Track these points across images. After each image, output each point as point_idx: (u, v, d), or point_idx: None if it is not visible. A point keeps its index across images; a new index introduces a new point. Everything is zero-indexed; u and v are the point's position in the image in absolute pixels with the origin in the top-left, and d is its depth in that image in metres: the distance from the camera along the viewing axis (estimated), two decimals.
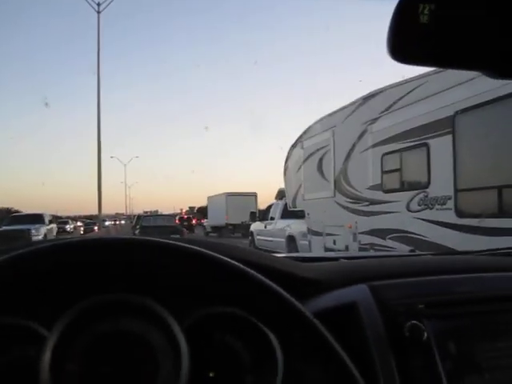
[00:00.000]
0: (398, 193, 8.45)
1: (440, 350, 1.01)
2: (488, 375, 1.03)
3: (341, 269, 1.29)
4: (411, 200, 7.98)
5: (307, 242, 12.63)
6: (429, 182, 7.60)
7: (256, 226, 18.37)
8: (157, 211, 59.04)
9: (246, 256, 1.07)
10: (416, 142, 7.81)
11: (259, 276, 0.82)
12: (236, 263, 0.83)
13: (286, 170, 14.09)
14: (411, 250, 7.54)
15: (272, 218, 16.56)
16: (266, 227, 16.95)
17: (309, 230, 12.35)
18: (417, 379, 0.98)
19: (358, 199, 9.78)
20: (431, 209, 7.51)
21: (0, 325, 0.87)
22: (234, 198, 37.68)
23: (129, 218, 60.23)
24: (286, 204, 15.62)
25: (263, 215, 17.99)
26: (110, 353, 0.88)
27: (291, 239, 14.45)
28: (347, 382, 0.79)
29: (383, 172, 8.89)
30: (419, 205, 7.80)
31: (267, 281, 0.82)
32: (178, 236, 24.19)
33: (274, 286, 0.82)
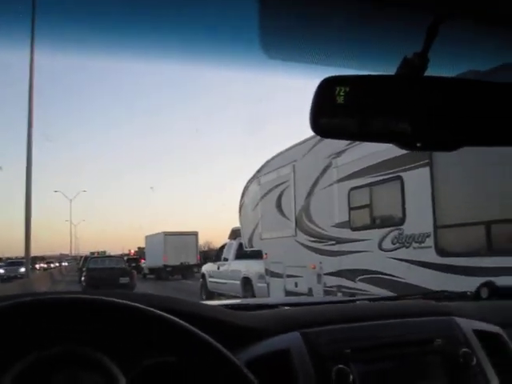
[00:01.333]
0: (368, 230, 7.81)
1: None
2: None
3: (274, 317, 1.35)
4: (384, 238, 7.34)
5: (265, 285, 11.80)
6: (404, 219, 6.99)
7: (208, 268, 17.33)
8: (105, 252, 56.78)
9: (179, 307, 1.15)
10: (388, 176, 7.22)
11: (193, 329, 0.91)
12: (167, 315, 0.92)
13: (241, 207, 13.32)
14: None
15: (226, 259, 15.65)
16: (219, 268, 15.96)
17: (267, 271, 11.55)
18: None
19: (322, 238, 9.10)
20: (407, 247, 6.88)
21: None
22: (172, 237, 35.22)
23: (74, 259, 57.66)
24: (240, 244, 14.81)
25: (216, 256, 17.04)
26: None
27: (247, 281, 13.56)
28: None
29: (351, 208, 8.25)
30: (393, 243, 7.16)
31: (200, 333, 0.91)
32: (127, 279, 23.04)
33: (207, 337, 0.91)
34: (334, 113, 0.92)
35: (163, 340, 0.92)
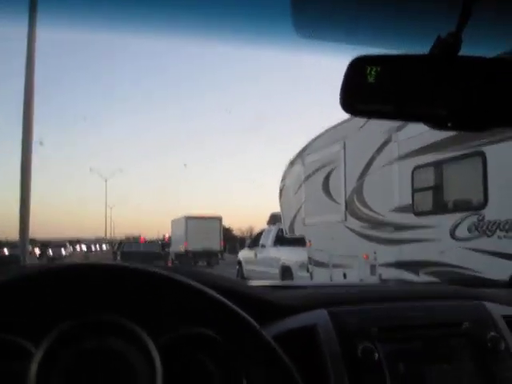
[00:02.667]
0: (437, 216, 6.70)
1: (390, 370, 1.13)
2: None
3: (305, 296, 1.37)
4: (458, 225, 6.21)
5: (306, 274, 10.78)
6: (485, 202, 5.86)
7: (244, 254, 16.35)
8: (139, 236, 56.31)
9: (218, 282, 1.18)
10: (466, 151, 6.07)
11: (227, 302, 0.94)
12: (206, 289, 0.95)
13: (282, 190, 12.28)
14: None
15: (263, 246, 14.64)
16: (256, 255, 14.99)
17: (310, 259, 10.52)
18: None
19: (378, 224, 8.01)
20: (489, 236, 5.74)
21: None
22: (194, 221, 33.02)
23: (109, 243, 57.33)
24: (279, 230, 13.80)
25: (253, 242, 16.03)
26: (93, 369, 0.95)
27: (286, 270, 12.52)
28: None
29: (415, 190, 7.14)
30: (470, 231, 6.02)
31: (234, 306, 0.94)
32: (161, 263, 22.53)
33: (239, 311, 0.94)
34: (364, 92, 0.91)
35: (195, 311, 0.96)
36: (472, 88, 0.93)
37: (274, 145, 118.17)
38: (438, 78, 0.93)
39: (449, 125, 0.96)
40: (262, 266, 14.25)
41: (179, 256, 32.51)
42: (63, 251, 45.57)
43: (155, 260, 22.51)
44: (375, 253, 8.02)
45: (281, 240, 13.52)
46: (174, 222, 37.11)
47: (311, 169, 10.39)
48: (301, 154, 10.96)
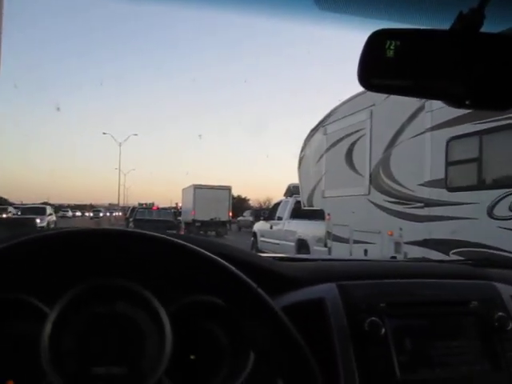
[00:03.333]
0: (473, 192, 6.10)
1: (396, 344, 1.14)
2: (439, 370, 1.15)
3: (314, 268, 1.37)
4: (497, 202, 5.63)
5: (323, 249, 10.27)
6: None
7: (260, 226, 15.85)
8: (153, 204, 55.77)
9: (229, 252, 1.18)
10: (510, 121, 5.44)
11: (237, 271, 0.95)
12: (218, 258, 0.95)
13: (301, 160, 11.72)
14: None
15: (280, 218, 14.13)
16: (271, 228, 14.49)
17: (329, 234, 10.00)
18: (373, 368, 1.10)
19: (405, 198, 7.43)
20: None
21: (7, 300, 0.99)
22: (202, 191, 32.59)
23: (123, 209, 57.11)
24: (296, 202, 13.27)
25: (269, 214, 15.51)
26: (104, 332, 0.99)
27: (302, 244, 12.00)
28: (304, 368, 0.93)
29: (449, 163, 6.54)
30: None
31: (243, 276, 0.95)
32: (174, 232, 22.19)
33: (248, 280, 0.95)
34: (383, 67, 0.90)
35: (204, 279, 0.96)
36: (492, 66, 0.91)
37: (293, 116, 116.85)
38: (458, 54, 0.91)
39: (467, 102, 0.93)
40: (277, 239, 13.74)
41: (188, 225, 32.15)
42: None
43: (168, 228, 22.15)
44: (401, 229, 7.46)
45: (298, 213, 12.98)
46: (185, 191, 36.79)
47: (334, 138, 9.80)
48: (323, 123, 10.37)
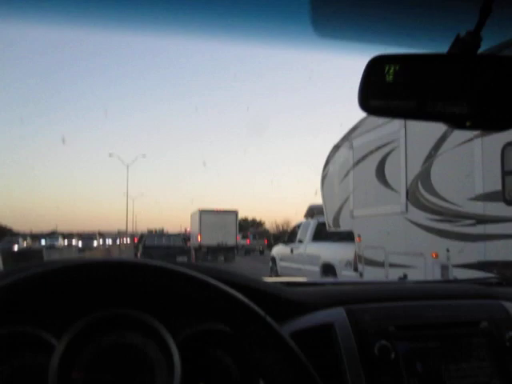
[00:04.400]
0: None
1: (407, 368, 1.13)
2: None
3: (322, 293, 1.36)
4: None
5: (353, 274, 9.39)
6: None
7: (279, 251, 14.96)
8: (162, 230, 54.82)
9: (236, 279, 1.18)
10: None
11: (244, 299, 0.93)
12: (225, 287, 0.94)
13: (324, 178, 10.89)
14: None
15: (300, 241, 13.27)
16: (292, 252, 13.63)
17: (360, 257, 9.13)
18: None
19: (452, 215, 6.57)
20: None
21: (15, 333, 1.00)
22: (208, 215, 32.16)
23: (132, 236, 56.19)
24: (319, 223, 12.42)
25: (288, 237, 14.65)
26: (113, 363, 1.00)
27: (328, 268, 11.08)
28: None
29: (506, 173, 5.69)
30: None
31: (251, 303, 0.93)
32: (185, 258, 21.50)
33: (256, 308, 0.93)
34: (383, 91, 0.91)
35: (211, 307, 0.95)
36: (491, 86, 0.91)
37: (300, 136, 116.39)
38: (457, 76, 0.92)
39: (467, 124, 0.94)
40: (299, 263, 12.86)
41: (195, 251, 30.94)
42: (95, 243, 47.66)
43: (178, 255, 21.41)
44: (448, 251, 6.59)
45: (321, 235, 12.14)
46: (192, 216, 36.11)
47: (362, 153, 8.99)
48: (348, 137, 9.57)
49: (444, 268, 6.64)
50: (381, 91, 0.91)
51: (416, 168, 7.33)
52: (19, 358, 1.00)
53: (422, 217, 7.20)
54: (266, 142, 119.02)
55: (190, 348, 1.04)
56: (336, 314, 1.21)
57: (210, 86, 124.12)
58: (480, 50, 0.93)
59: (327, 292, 1.41)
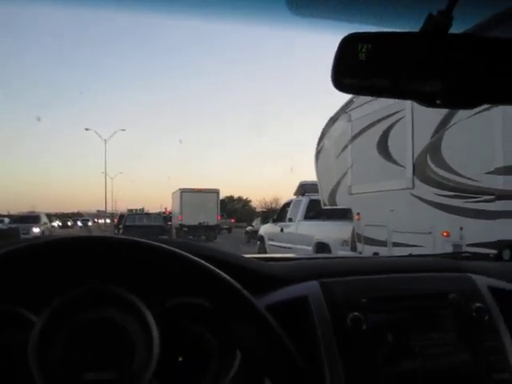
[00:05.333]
0: None
1: (378, 338, 1.18)
2: (420, 362, 1.19)
3: (297, 267, 1.41)
4: None
5: (351, 253, 8.90)
6: None
7: (267, 229, 14.42)
8: (143, 209, 53.94)
9: (212, 254, 1.22)
10: None
11: (220, 272, 0.97)
12: (201, 261, 0.98)
13: (319, 153, 10.33)
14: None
15: (290, 220, 12.75)
16: (282, 231, 13.11)
17: (358, 236, 8.64)
18: (356, 363, 1.14)
19: (466, 191, 6.07)
20: None
21: None
22: (189, 194, 32.15)
23: (112, 216, 55.20)
24: (311, 201, 11.93)
25: (277, 216, 14.12)
26: (92, 338, 0.98)
27: (323, 248, 10.55)
28: (291, 365, 0.96)
29: None
30: None
31: (227, 276, 0.97)
32: (165, 237, 21.15)
33: (232, 281, 0.97)
34: (356, 70, 0.92)
35: (189, 281, 0.99)
36: (461, 65, 0.94)
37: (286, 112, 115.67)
38: (429, 55, 0.94)
39: (437, 102, 0.95)
40: (289, 243, 12.35)
41: (177, 230, 31.36)
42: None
43: (159, 234, 21.15)
44: (462, 229, 6.10)
45: (314, 213, 11.66)
46: (173, 195, 35.86)
47: (361, 125, 8.43)
48: (346, 108, 9.00)
49: (457, 247, 6.14)
50: (354, 70, 0.92)
51: (424, 140, 6.80)
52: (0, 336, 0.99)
53: (430, 193, 6.70)
54: (254, 118, 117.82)
55: (168, 322, 1.04)
56: (310, 287, 1.25)
57: (193, 63, 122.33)
58: (452, 31, 0.94)
59: (302, 266, 1.45)
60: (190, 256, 0.97)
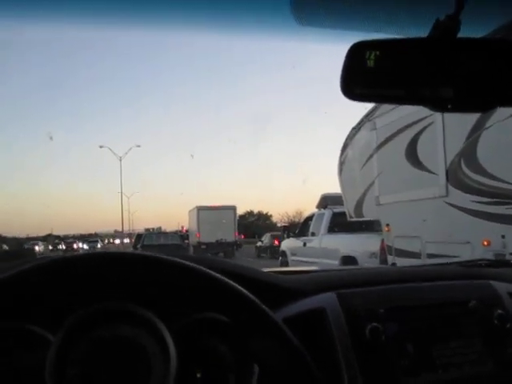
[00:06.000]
0: None
1: (398, 349, 1.16)
2: (442, 372, 1.17)
3: (313, 279, 1.40)
4: None
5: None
6: None
7: (289, 244, 14.07)
8: (160, 228, 53.80)
9: (229, 268, 1.22)
10: None
11: (238, 286, 0.96)
12: (218, 275, 0.96)
13: (342, 164, 10.03)
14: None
15: (313, 234, 12.40)
16: (305, 245, 12.75)
17: (389, 248, 8.30)
18: (376, 374, 1.13)
19: (506, 196, 5.74)
20: None
21: (11, 329, 0.99)
22: (206, 212, 32.48)
23: (129, 236, 55.07)
24: (334, 214, 11.59)
25: (299, 230, 13.78)
26: (108, 356, 0.97)
27: (349, 261, 10.20)
28: (308, 378, 0.93)
29: None
30: None
31: (244, 291, 0.96)
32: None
33: (250, 295, 0.95)
34: (365, 77, 0.92)
35: (206, 296, 0.97)
36: (471, 69, 0.92)
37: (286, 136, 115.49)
38: (438, 60, 0.93)
39: (449, 106, 0.95)
40: (313, 257, 11.98)
41: (194, 248, 31.39)
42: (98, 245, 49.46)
43: (177, 253, 21.03)
44: (503, 237, 5.77)
45: (338, 226, 11.31)
46: (190, 213, 36.18)
47: (387, 133, 8.14)
48: (370, 117, 8.71)
49: (499, 257, 5.81)
50: (363, 78, 0.91)
51: (457, 145, 6.49)
52: (16, 354, 0.98)
53: (467, 200, 6.37)
54: (269, 134, 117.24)
55: (185, 337, 1.03)
56: (327, 299, 1.24)
57: (208, 80, 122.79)
58: (461, 35, 0.93)
59: (318, 278, 1.45)
60: (207, 270, 0.97)
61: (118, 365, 0.97)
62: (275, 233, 32.52)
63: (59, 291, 0.96)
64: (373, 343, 1.15)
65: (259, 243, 33.60)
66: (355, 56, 0.91)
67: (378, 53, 0.90)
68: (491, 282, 1.36)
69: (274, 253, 26.98)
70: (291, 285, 1.31)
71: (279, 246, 28.79)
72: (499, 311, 1.25)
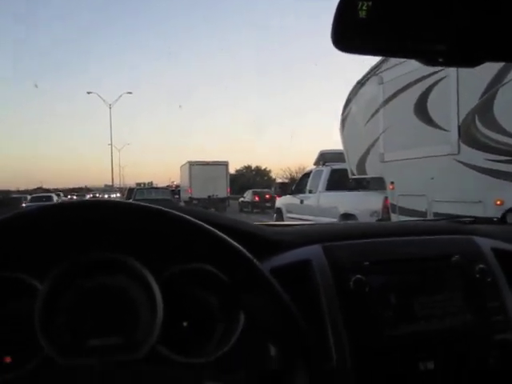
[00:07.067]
0: None
1: (381, 301, 1.19)
2: (423, 323, 1.20)
3: (300, 232, 1.43)
4: None
5: None
6: None
7: (285, 201, 13.83)
8: (151, 183, 53.49)
9: (216, 219, 1.22)
10: None
11: (225, 236, 0.95)
12: (205, 225, 0.95)
13: (345, 120, 9.71)
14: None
15: (311, 191, 12.15)
16: (302, 202, 12.54)
17: (393, 207, 8.09)
18: (359, 325, 1.15)
19: None
20: None
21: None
22: (198, 167, 32.27)
23: (120, 190, 54.44)
24: (333, 171, 11.33)
25: (296, 187, 13.52)
26: (96, 305, 0.98)
27: (349, 219, 10.03)
28: (294, 328, 0.94)
29: None
30: None
31: (231, 240, 0.95)
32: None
33: (236, 244, 0.95)
34: (356, 28, 0.89)
35: (193, 246, 0.97)
36: (464, 23, 0.91)
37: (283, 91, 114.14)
38: (431, 12, 0.91)
39: (440, 60, 0.94)
40: (310, 215, 11.75)
41: (186, 204, 31.21)
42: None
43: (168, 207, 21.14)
44: None
45: (337, 183, 11.06)
46: (181, 169, 35.96)
47: (395, 87, 7.80)
48: (376, 70, 8.36)
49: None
50: (354, 29, 0.89)
51: (472, 101, 6.20)
52: (5, 302, 0.98)
53: (480, 158, 6.13)
54: (271, 87, 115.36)
55: (173, 287, 1.02)
56: (313, 251, 1.26)
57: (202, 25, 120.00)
58: None
59: (303, 230, 1.48)
60: (193, 220, 0.96)
61: (106, 313, 0.99)
62: (256, 190, 34.56)
63: (48, 240, 0.95)
64: (357, 294, 1.18)
65: (241, 199, 34.59)
66: (347, 6, 0.88)
67: (370, 3, 0.87)
68: (475, 237, 1.41)
69: (255, 207, 31.06)
70: (278, 237, 1.33)
71: (259, 201, 29.94)
72: (481, 265, 1.29)
